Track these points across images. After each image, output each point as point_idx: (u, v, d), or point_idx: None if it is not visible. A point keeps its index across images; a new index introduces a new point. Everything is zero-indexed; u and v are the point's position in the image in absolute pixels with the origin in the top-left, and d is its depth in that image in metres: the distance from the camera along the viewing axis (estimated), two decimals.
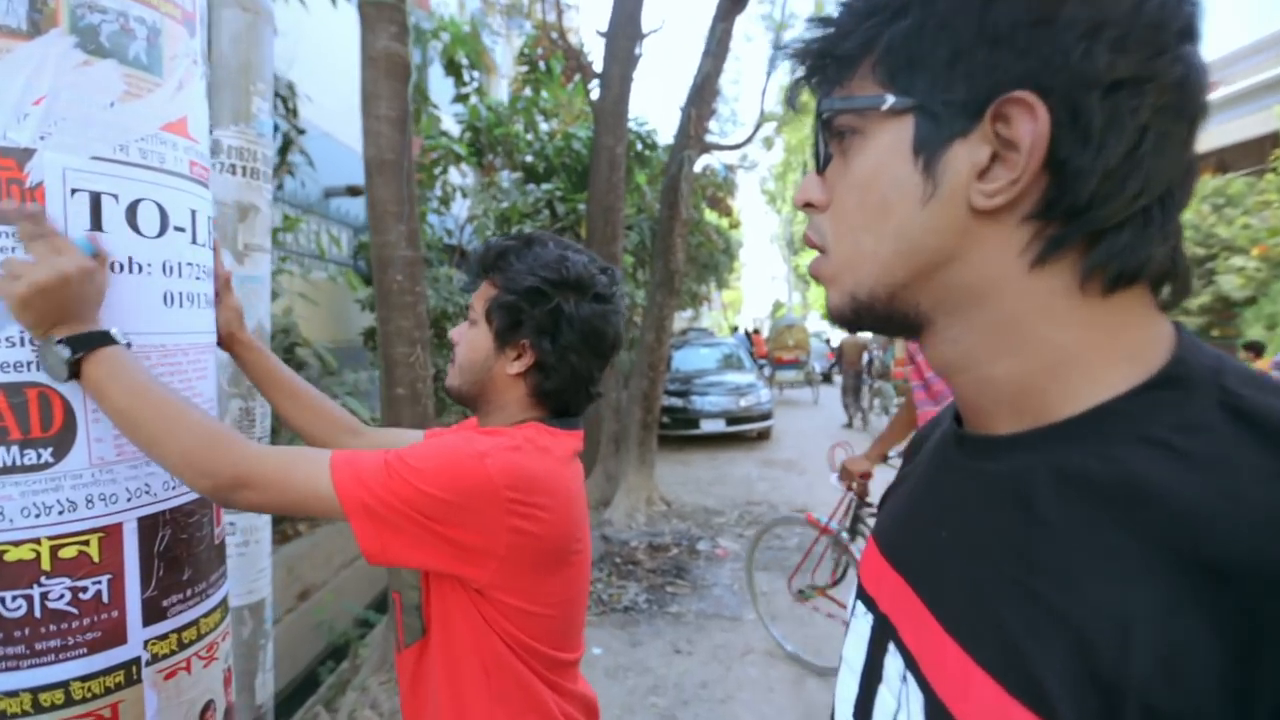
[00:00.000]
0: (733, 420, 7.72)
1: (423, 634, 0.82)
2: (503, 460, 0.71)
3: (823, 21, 0.38)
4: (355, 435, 1.00)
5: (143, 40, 0.68)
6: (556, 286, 0.81)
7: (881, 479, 2.57)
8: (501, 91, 10.03)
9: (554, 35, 5.91)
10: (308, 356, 3.34)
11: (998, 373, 0.35)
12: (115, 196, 0.67)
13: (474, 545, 0.71)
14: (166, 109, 0.71)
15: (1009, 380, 0.35)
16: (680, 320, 13.99)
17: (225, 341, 0.90)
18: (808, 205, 0.41)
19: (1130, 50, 0.30)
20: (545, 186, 6.27)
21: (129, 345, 0.68)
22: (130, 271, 0.69)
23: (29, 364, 0.64)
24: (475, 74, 6.54)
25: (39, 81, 0.62)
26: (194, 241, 0.76)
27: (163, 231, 0.72)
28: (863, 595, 0.46)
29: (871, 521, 2.58)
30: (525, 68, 7.07)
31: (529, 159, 6.76)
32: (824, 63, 0.38)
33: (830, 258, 0.40)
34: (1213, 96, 0.34)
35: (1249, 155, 9.24)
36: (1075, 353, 0.33)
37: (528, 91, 6.99)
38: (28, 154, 0.62)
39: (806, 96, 0.41)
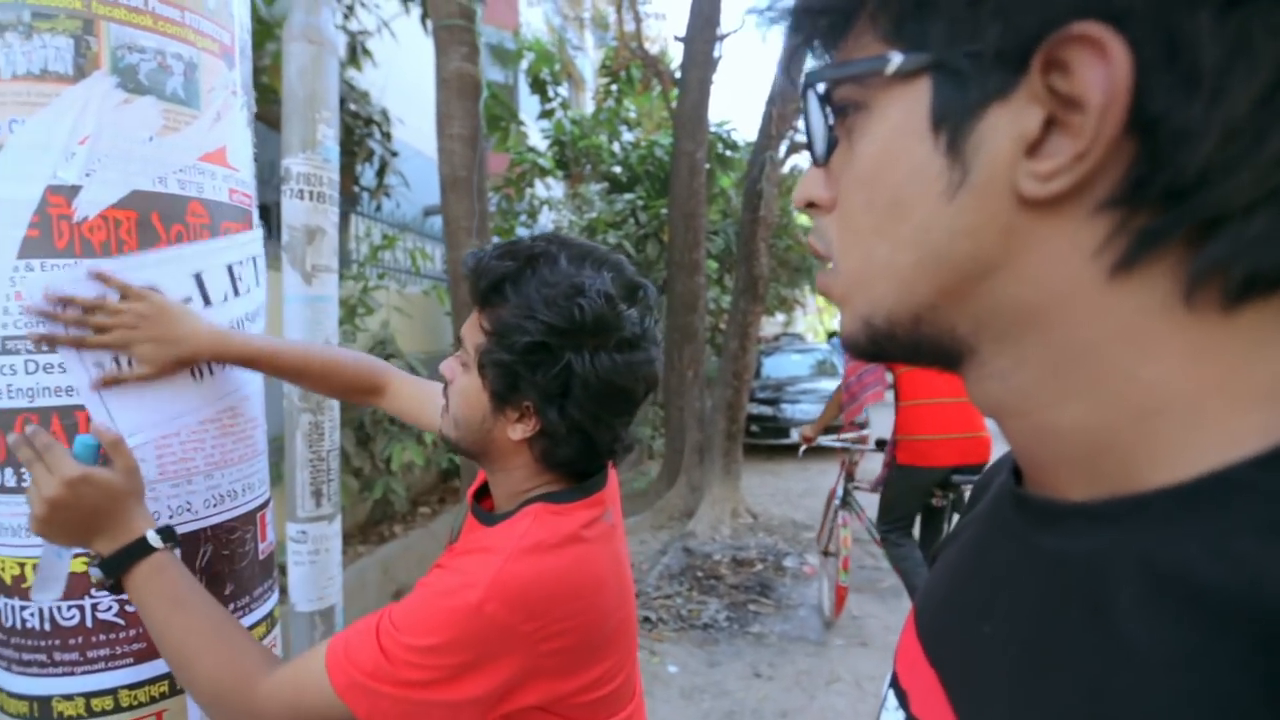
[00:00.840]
0: (826, 429, 7.39)
1: None
2: (505, 598, 0.58)
3: None
4: (380, 394, 0.91)
5: (180, 75, 0.71)
6: (565, 336, 0.61)
7: (873, 461, 3.09)
8: (589, 105, 10.27)
9: (633, 45, 5.96)
10: (400, 367, 3.53)
11: (1063, 420, 0.26)
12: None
13: (509, 681, 0.60)
14: (204, 140, 0.74)
15: (1079, 431, 0.26)
16: (773, 325, 13.64)
17: (167, 367, 0.70)
18: (810, 205, 0.32)
19: None
20: (628, 196, 6.32)
21: (171, 540, 0.65)
22: None
23: (77, 389, 0.68)
24: (559, 90, 6.73)
25: (84, 122, 0.66)
26: (206, 304, 0.77)
27: None
28: (895, 684, 0.37)
29: (859, 495, 3.10)
30: (608, 79, 7.19)
31: (616, 169, 6.86)
32: (815, 20, 0.29)
33: (838, 271, 0.31)
34: None
35: None
36: (1178, 394, 0.23)
37: (610, 103, 7.11)
38: (75, 191, 0.66)
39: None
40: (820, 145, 0.31)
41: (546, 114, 6.71)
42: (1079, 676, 0.23)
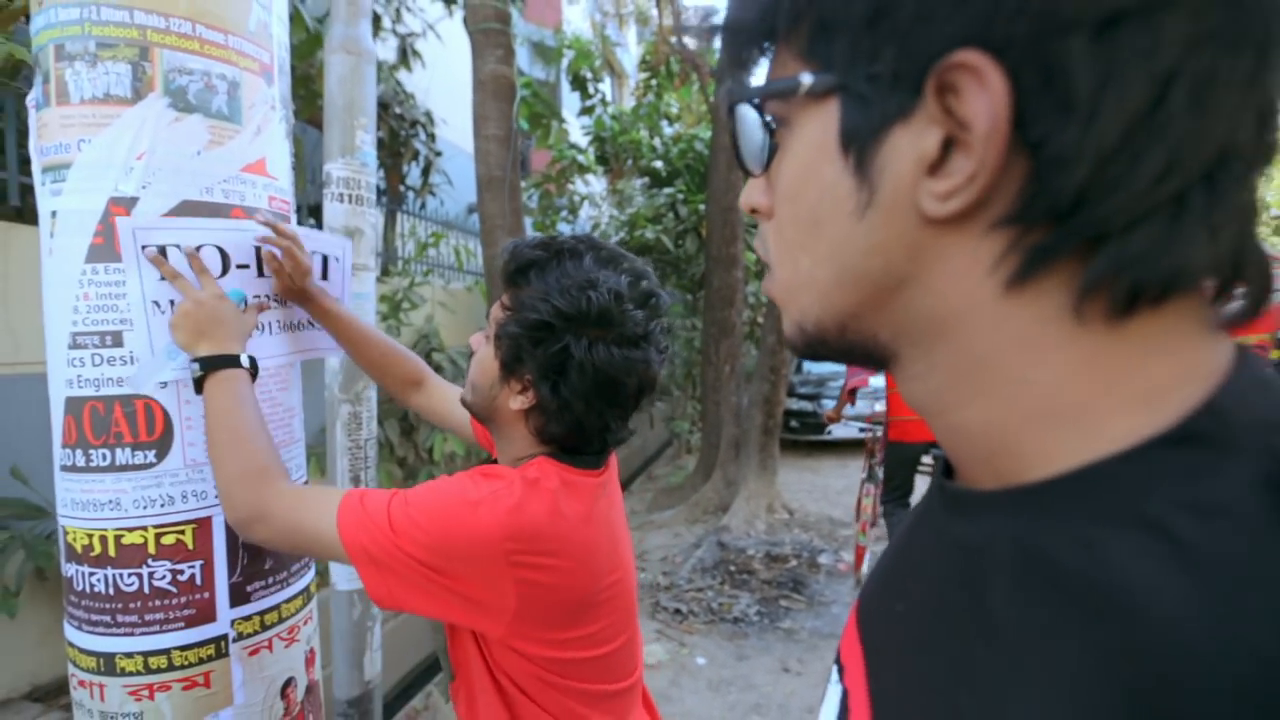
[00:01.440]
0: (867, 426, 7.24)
1: (453, 677, 0.80)
2: (497, 511, 0.65)
3: None
4: (419, 389, 1.02)
5: (224, 94, 0.78)
6: (569, 322, 0.69)
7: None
8: (631, 100, 10.31)
9: (672, 39, 5.95)
10: (442, 361, 3.65)
11: (967, 420, 0.28)
12: (178, 245, 0.76)
13: (482, 599, 0.67)
14: (246, 152, 0.81)
15: (980, 430, 0.28)
16: None
17: (294, 295, 0.87)
18: (754, 211, 0.34)
19: None
20: (668, 191, 6.33)
21: (255, 370, 0.79)
22: None
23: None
24: (601, 86, 6.78)
25: (141, 139, 0.73)
26: (260, 275, 0.85)
27: (225, 272, 0.80)
28: (838, 659, 0.40)
29: (880, 472, 3.50)
30: (647, 74, 7.20)
31: (656, 164, 6.88)
32: (740, 39, 0.31)
33: (774, 278, 0.33)
34: None
35: None
36: (1066, 398, 0.25)
37: (650, 98, 7.12)
38: (133, 202, 0.73)
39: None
40: (757, 156, 0.32)
41: (587, 110, 6.79)
42: (952, 654, 0.26)
